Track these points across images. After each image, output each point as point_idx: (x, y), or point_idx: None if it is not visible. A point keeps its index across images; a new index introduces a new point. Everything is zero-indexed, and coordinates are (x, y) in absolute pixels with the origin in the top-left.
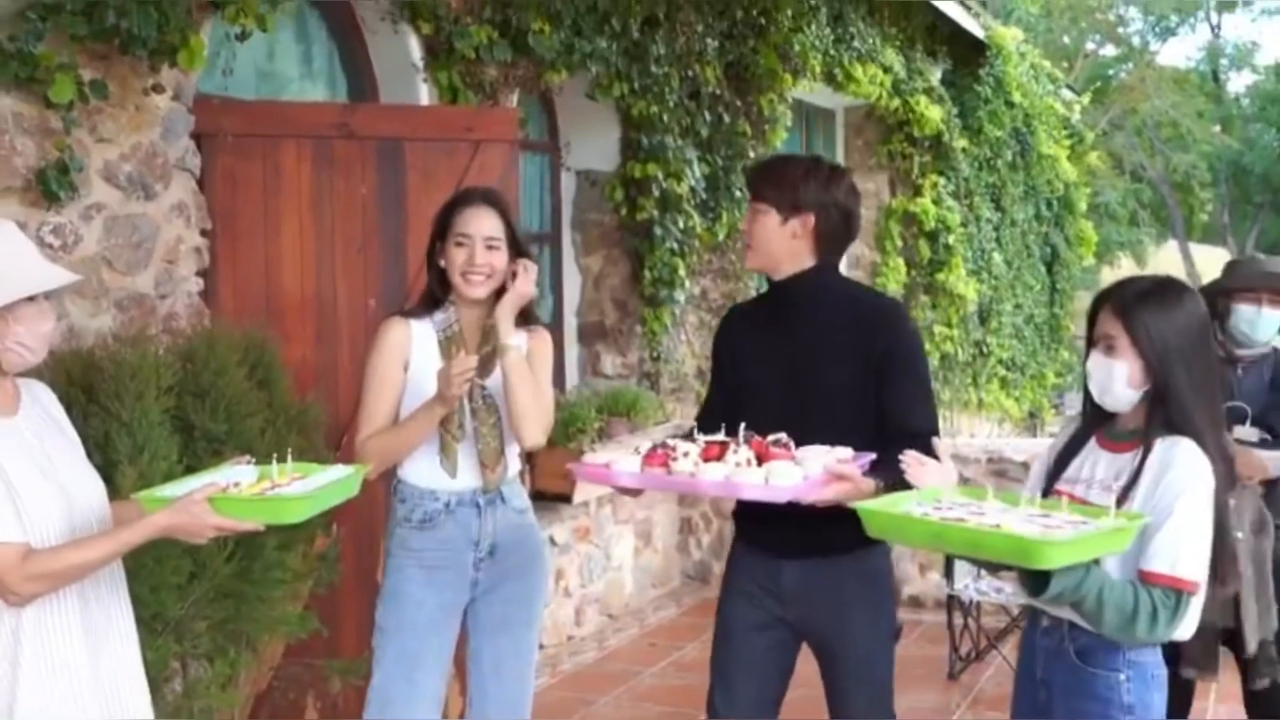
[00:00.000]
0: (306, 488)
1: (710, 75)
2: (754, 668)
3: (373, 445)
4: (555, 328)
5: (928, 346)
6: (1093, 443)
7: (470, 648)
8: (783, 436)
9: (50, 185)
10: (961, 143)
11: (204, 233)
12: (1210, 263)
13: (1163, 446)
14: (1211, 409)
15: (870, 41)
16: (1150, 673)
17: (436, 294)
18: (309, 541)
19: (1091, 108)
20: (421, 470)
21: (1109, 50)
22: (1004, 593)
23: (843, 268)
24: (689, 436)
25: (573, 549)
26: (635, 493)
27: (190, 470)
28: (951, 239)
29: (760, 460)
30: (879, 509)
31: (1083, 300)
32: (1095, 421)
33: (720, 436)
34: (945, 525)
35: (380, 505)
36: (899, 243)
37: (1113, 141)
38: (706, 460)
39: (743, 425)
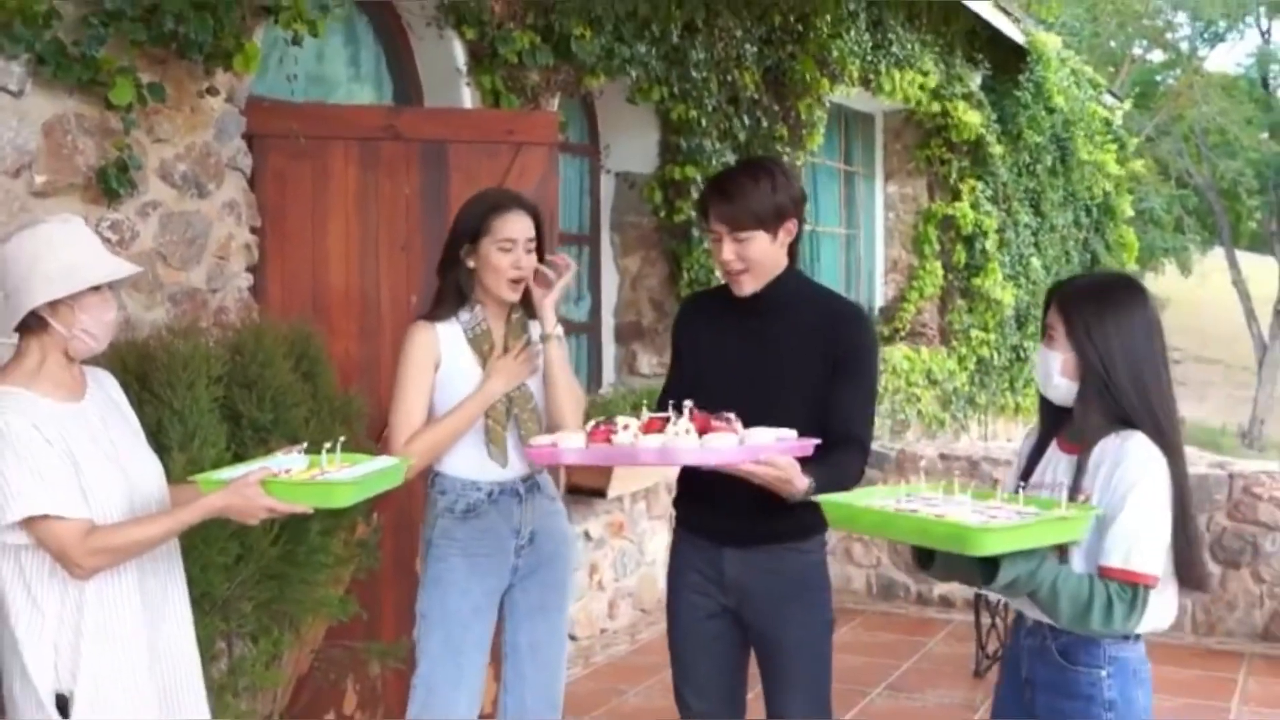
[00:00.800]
0: (354, 474)
1: (748, 80)
2: (711, 656)
3: (417, 445)
4: (593, 327)
5: (964, 350)
6: (1054, 446)
7: (507, 633)
8: (732, 415)
9: (110, 183)
10: (1000, 148)
11: (254, 230)
12: (1258, 271)
13: (1116, 441)
14: (1162, 404)
15: (909, 47)
16: (1132, 669)
17: (465, 292)
18: (350, 529)
19: (1138, 113)
20: (462, 462)
21: (1156, 55)
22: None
23: (879, 272)
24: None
25: (607, 543)
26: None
27: (238, 457)
28: (989, 244)
29: (701, 434)
30: (841, 501)
31: None
32: (1055, 421)
33: (666, 414)
34: (896, 515)
35: (418, 496)
36: (936, 247)
37: (1159, 148)
38: (647, 433)
39: (688, 403)
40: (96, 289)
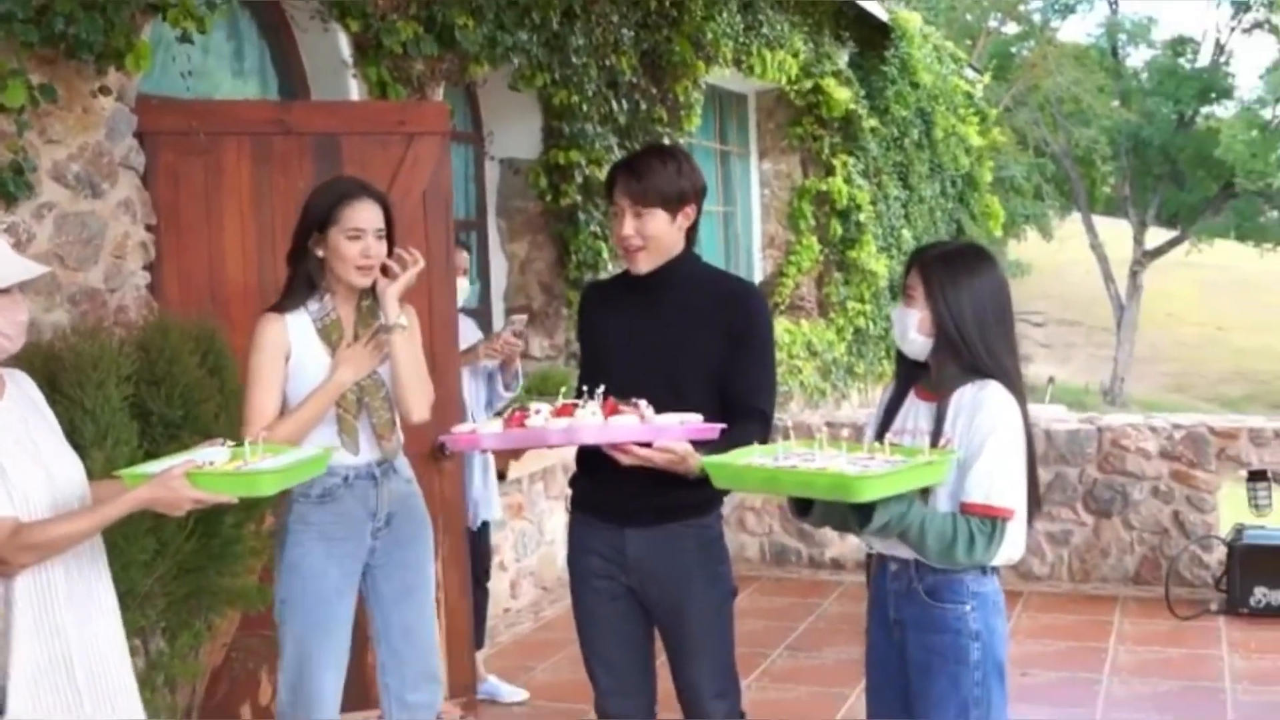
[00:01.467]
0: (278, 463)
1: (626, 65)
2: (618, 636)
3: (274, 436)
4: (483, 312)
5: (841, 322)
6: (912, 395)
7: (376, 620)
8: (642, 402)
9: (6, 186)
10: (870, 123)
11: (149, 228)
12: (1113, 234)
13: (973, 389)
14: (1010, 356)
15: (779, 28)
16: (992, 601)
17: (314, 282)
18: (260, 520)
19: (995, 85)
20: (338, 451)
21: (1011, 28)
22: None
23: (756, 248)
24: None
25: (507, 525)
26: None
27: (150, 455)
28: (862, 217)
29: (608, 418)
30: (723, 461)
31: None
32: (911, 375)
33: (572, 400)
34: (779, 470)
35: None
36: (812, 222)
37: (1016, 118)
38: (558, 417)
39: (600, 388)
40: (6, 291)
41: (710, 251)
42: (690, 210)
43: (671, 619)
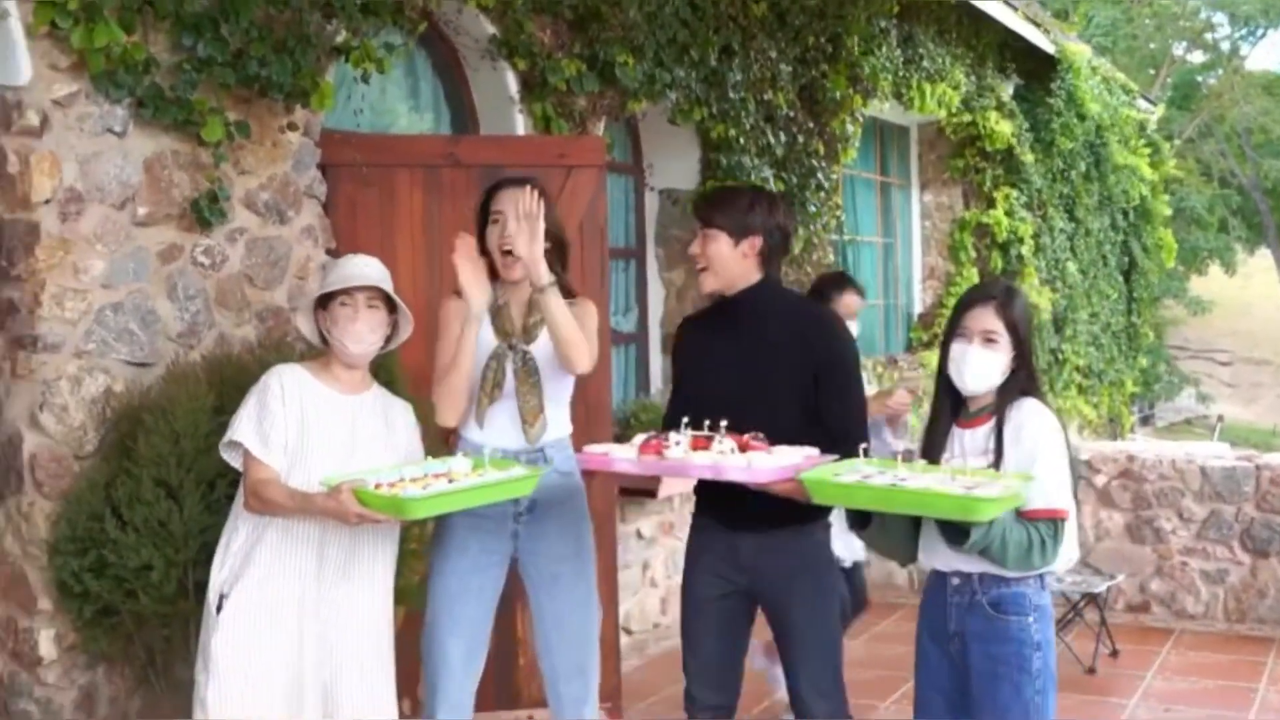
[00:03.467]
0: (464, 484)
1: (783, 99)
2: (719, 632)
3: (438, 388)
4: (640, 337)
5: None
6: (954, 427)
7: (531, 605)
8: (760, 435)
9: (203, 212)
10: (1032, 156)
11: (329, 252)
12: None
13: (1013, 409)
14: (1037, 374)
15: (940, 60)
16: (1047, 612)
17: (489, 273)
18: (421, 525)
19: (1178, 115)
20: (474, 428)
21: (1197, 56)
22: (1064, 581)
23: (917, 279)
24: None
25: (658, 542)
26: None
27: None
28: (1024, 249)
29: (741, 451)
30: (825, 480)
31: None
32: (953, 409)
33: (704, 433)
34: (891, 488)
35: None
36: (972, 254)
37: (1201, 149)
38: (695, 450)
39: (724, 423)
40: (345, 304)
41: (869, 282)
42: (755, 242)
43: (780, 619)
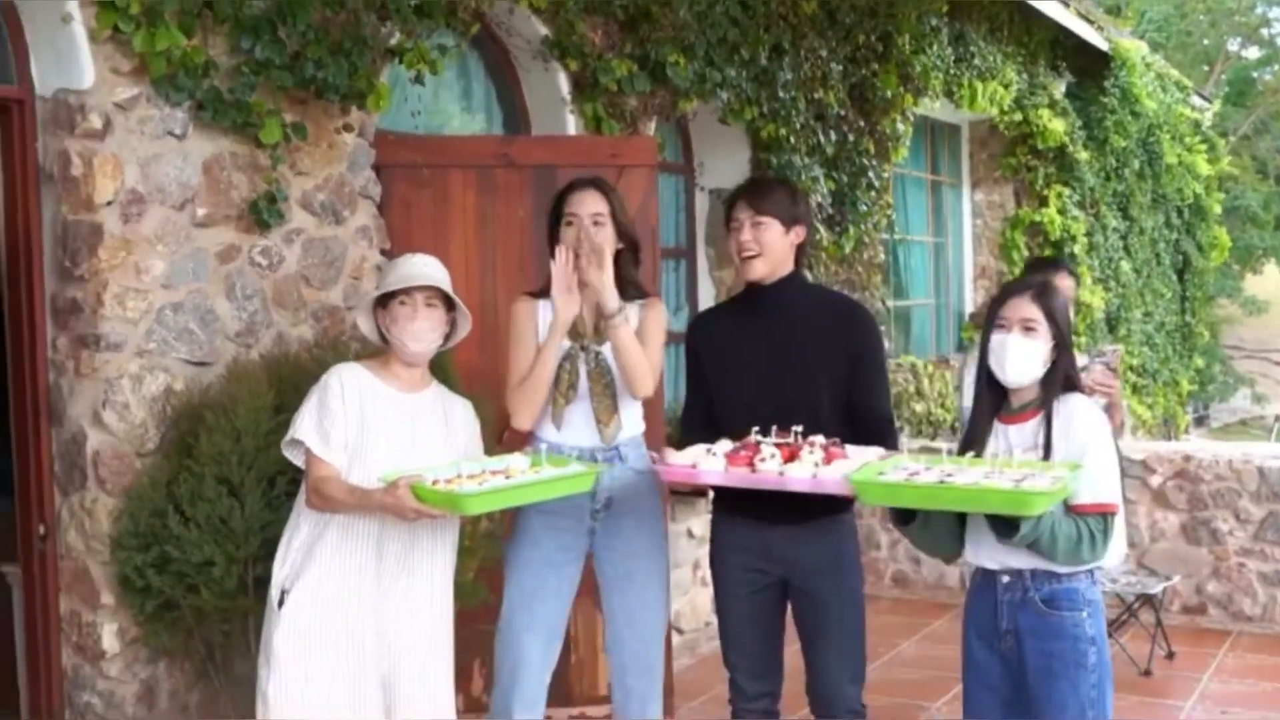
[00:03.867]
0: (510, 482)
1: (834, 98)
2: (758, 625)
3: (515, 394)
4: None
5: None
6: (996, 423)
7: (603, 601)
8: (836, 440)
9: (261, 213)
10: (1085, 154)
11: (383, 252)
12: None
13: (1061, 404)
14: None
15: (991, 59)
16: (1099, 607)
17: None
18: (475, 522)
19: (1233, 111)
20: (549, 427)
21: (1253, 52)
22: (1119, 582)
23: (968, 278)
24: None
25: (709, 541)
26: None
27: None
28: (1077, 248)
29: (827, 460)
30: (870, 480)
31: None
32: (994, 405)
33: (785, 439)
34: (940, 486)
35: None
36: (1025, 252)
37: (1257, 145)
38: (787, 461)
39: (798, 429)
40: (404, 303)
41: (920, 281)
42: (801, 231)
43: (812, 607)
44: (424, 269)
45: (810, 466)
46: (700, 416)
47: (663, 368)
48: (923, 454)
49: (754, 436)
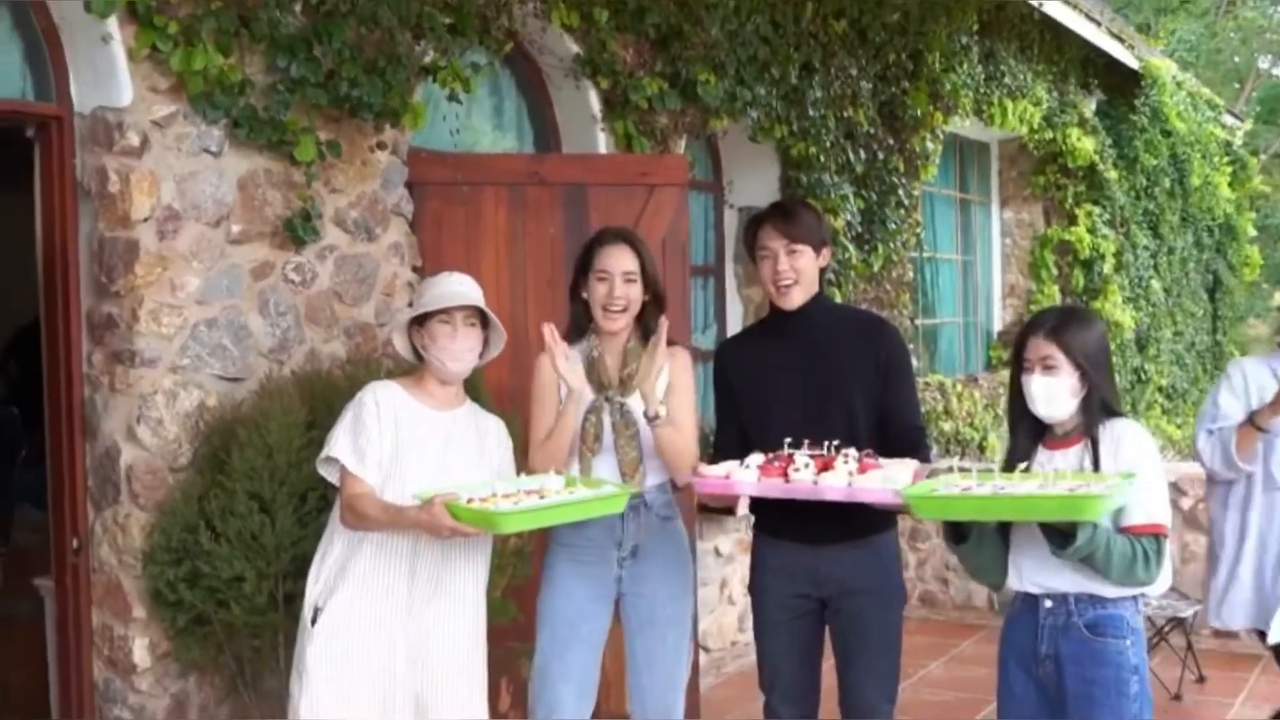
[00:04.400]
0: (545, 502)
1: (863, 116)
2: (798, 650)
3: (538, 453)
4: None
5: None
6: (1040, 449)
7: (626, 645)
8: (869, 451)
9: (295, 230)
10: (1115, 173)
11: (415, 269)
12: None
13: (1106, 429)
14: (1117, 394)
15: (1021, 77)
16: (1141, 636)
17: (581, 324)
18: (504, 540)
19: (1265, 129)
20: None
21: None
22: (1149, 605)
23: (997, 296)
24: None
25: (736, 559)
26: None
27: None
28: (1106, 267)
29: (861, 470)
30: (925, 495)
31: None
32: (1033, 429)
33: (819, 451)
34: (995, 496)
35: None
36: (1054, 271)
37: None
38: (821, 472)
39: (834, 443)
40: (445, 321)
41: (948, 299)
42: (826, 253)
43: (851, 626)
44: (462, 288)
45: (845, 476)
46: (734, 443)
47: (695, 391)
48: (976, 472)
49: (787, 449)
